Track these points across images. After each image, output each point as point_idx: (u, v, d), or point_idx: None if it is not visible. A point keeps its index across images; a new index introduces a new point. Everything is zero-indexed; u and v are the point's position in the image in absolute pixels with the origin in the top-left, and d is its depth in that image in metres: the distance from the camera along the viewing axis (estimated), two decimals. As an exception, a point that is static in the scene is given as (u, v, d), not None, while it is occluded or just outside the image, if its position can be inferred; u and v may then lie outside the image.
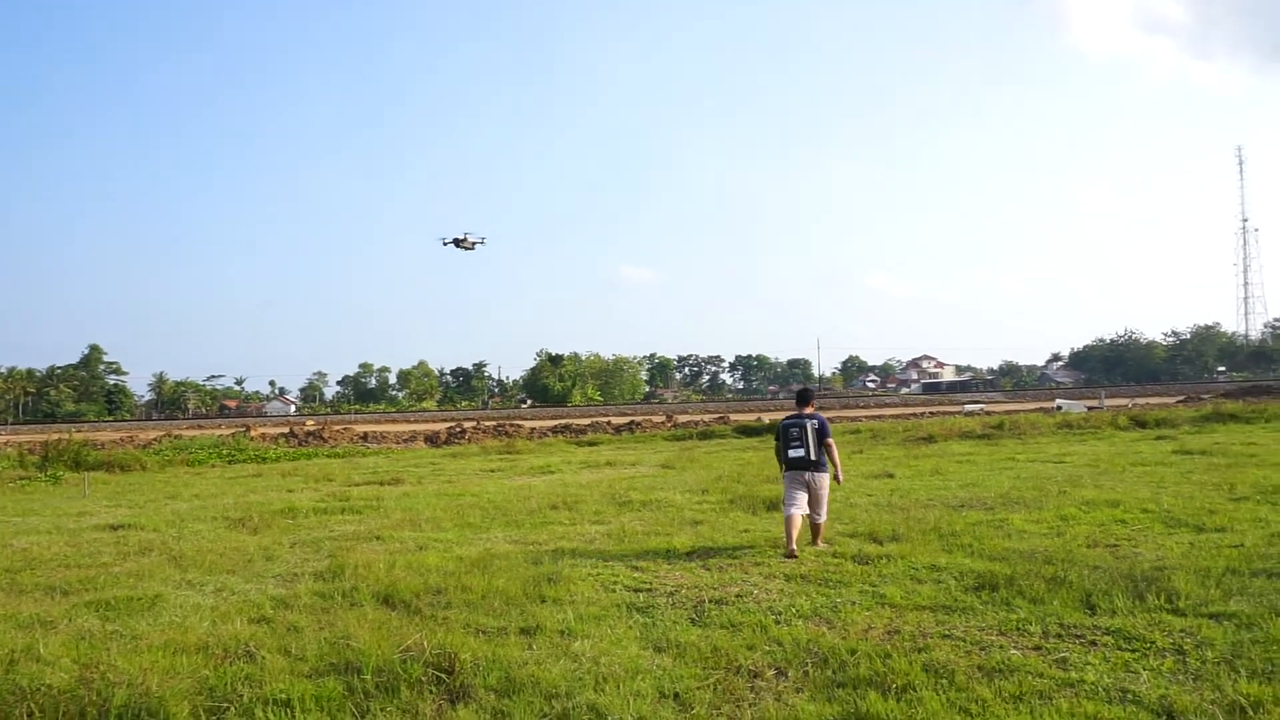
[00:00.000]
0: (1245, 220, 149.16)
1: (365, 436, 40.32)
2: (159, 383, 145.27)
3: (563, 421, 46.78)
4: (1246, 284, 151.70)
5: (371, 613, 6.37)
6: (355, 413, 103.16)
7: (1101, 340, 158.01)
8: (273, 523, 11.82)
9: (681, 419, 44.63)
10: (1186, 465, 14.83)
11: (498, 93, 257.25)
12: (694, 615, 6.18)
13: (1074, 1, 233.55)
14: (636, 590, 7.00)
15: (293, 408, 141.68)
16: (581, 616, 6.13)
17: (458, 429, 41.28)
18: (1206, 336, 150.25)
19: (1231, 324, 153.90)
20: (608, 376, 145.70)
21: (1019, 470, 15.11)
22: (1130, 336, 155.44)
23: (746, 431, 30.75)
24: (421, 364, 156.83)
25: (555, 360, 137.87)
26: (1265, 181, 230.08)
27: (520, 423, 47.47)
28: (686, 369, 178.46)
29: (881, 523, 9.74)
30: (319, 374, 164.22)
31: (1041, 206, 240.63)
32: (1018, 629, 5.51)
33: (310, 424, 50.22)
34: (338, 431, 40.63)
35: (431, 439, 37.95)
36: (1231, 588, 6.24)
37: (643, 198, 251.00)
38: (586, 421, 44.18)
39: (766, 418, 37.67)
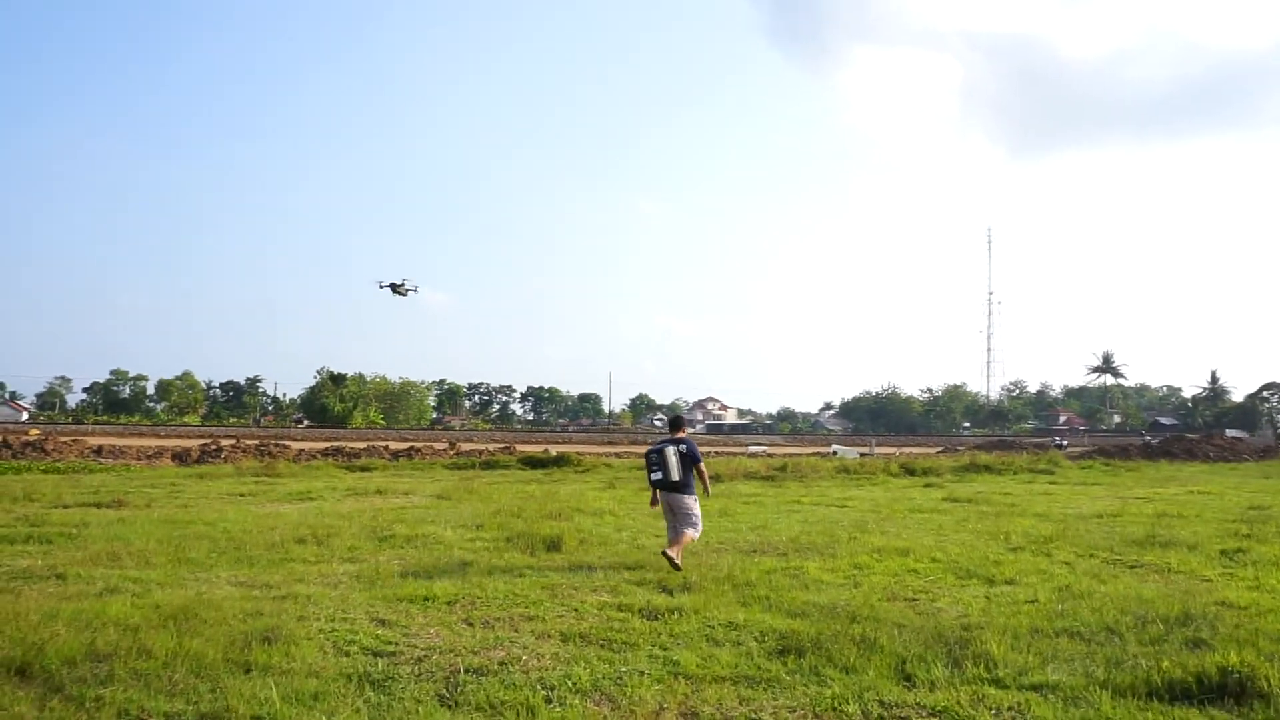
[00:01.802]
0: (991, 293, 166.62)
1: (100, 450, 35.40)
2: None
3: (336, 444, 43.38)
4: (990, 350, 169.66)
5: (-12, 690, 4.56)
6: (99, 424, 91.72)
7: (868, 393, 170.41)
8: (-81, 553, 9.25)
9: (465, 447, 42.67)
10: (959, 513, 15.16)
11: (296, 94, 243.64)
12: (444, 691, 4.87)
13: (857, 81, 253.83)
14: (377, 654, 5.58)
15: (25, 415, 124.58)
16: (292, 695, 4.66)
17: (214, 447, 37.20)
18: (955, 395, 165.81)
19: (976, 384, 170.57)
20: (393, 400, 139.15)
21: (806, 514, 14.86)
22: (892, 390, 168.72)
23: (532, 463, 29.48)
24: (186, 375, 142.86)
25: (337, 380, 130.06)
26: (1009, 259, 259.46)
27: (288, 443, 43.64)
28: (477, 397, 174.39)
29: (670, 569, 8.83)
30: (61, 379, 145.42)
31: (817, 263, 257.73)
32: (834, 708, 4.64)
33: (34, 433, 43.74)
34: (65, 444, 35.36)
35: (181, 456, 33.81)
36: (1044, 651, 5.74)
37: (445, 218, 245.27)
38: (362, 445, 41.15)
39: (554, 450, 36.63)
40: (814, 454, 41.91)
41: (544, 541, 10.53)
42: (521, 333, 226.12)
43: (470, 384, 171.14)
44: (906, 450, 47.60)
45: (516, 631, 6.22)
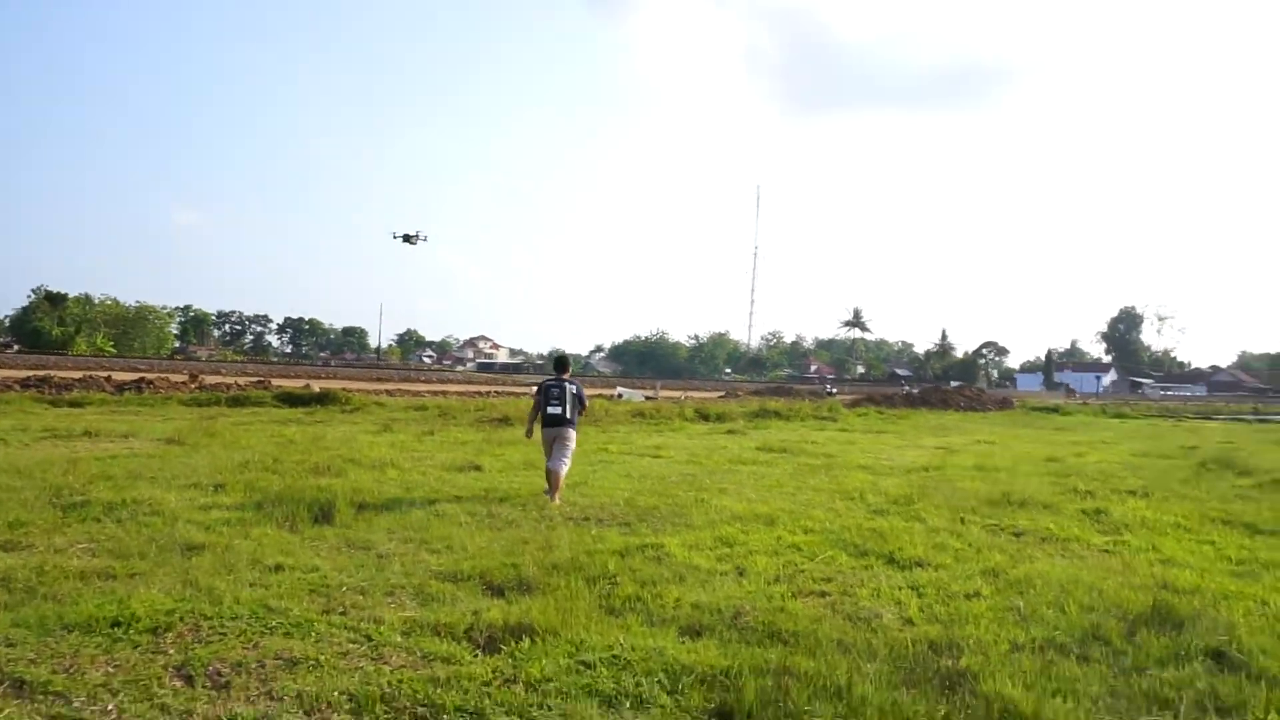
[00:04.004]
0: (757, 248, 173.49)
1: None
2: None
3: (42, 373, 36.25)
4: (753, 301, 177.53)
5: None
6: None
7: (637, 337, 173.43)
8: None
9: (211, 380, 37.22)
10: (785, 465, 13.91)
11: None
12: None
13: (645, 29, 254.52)
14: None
15: None
16: None
17: None
18: (719, 342, 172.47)
19: (738, 333, 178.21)
20: (127, 326, 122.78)
21: (624, 466, 12.96)
22: (661, 335, 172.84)
23: (291, 400, 25.61)
24: None
25: (56, 300, 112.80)
26: (775, 215, 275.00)
27: (-22, 371, 36.10)
28: (228, 326, 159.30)
29: (492, 553, 6.55)
30: None
31: (593, 208, 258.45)
32: None
33: None
34: None
35: None
36: (1062, 685, 4.09)
37: (191, 127, 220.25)
38: (77, 375, 34.46)
39: (317, 385, 32.59)
40: (597, 395, 40.52)
41: (310, 509, 7.85)
42: (280, 259, 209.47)
43: (220, 312, 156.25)
44: (690, 395, 47.41)
45: (273, 698, 3.70)
